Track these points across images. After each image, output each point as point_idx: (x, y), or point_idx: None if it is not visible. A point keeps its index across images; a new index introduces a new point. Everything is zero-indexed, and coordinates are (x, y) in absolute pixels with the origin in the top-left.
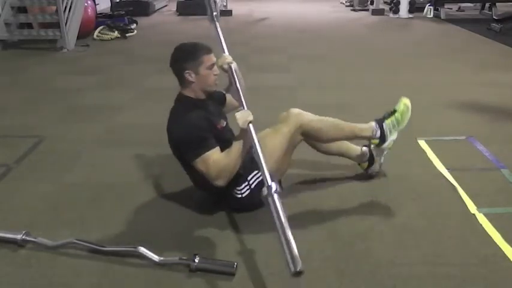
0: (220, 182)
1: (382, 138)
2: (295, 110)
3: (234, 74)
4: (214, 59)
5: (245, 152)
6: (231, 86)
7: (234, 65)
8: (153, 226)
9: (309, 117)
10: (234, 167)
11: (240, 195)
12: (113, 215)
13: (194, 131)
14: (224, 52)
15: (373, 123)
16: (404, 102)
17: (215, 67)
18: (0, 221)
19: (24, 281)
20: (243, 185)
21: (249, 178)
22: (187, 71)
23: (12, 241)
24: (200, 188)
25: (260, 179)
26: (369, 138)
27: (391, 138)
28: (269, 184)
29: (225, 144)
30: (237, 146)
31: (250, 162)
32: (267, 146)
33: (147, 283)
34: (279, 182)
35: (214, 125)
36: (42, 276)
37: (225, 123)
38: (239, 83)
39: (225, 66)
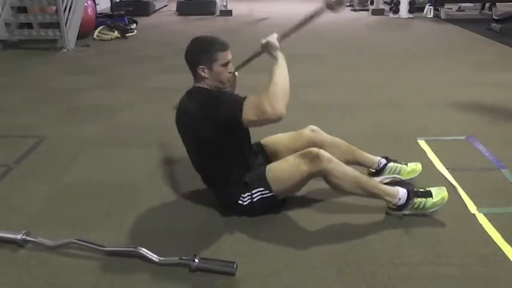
0: (280, 110)
1: (400, 208)
2: (326, 155)
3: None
4: (230, 57)
5: (284, 70)
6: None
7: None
8: (153, 226)
9: (333, 167)
10: (281, 87)
11: (242, 202)
12: (113, 215)
13: (223, 97)
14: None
15: (401, 191)
16: (443, 196)
17: (230, 65)
18: (0, 221)
19: (24, 281)
20: (246, 194)
21: (253, 191)
22: (200, 66)
23: (12, 241)
24: (212, 188)
25: (265, 197)
26: (388, 202)
27: (406, 212)
28: None
29: (246, 134)
30: (273, 71)
31: (257, 178)
32: (283, 173)
33: (147, 283)
34: (284, 200)
35: None
36: (42, 276)
37: None
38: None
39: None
